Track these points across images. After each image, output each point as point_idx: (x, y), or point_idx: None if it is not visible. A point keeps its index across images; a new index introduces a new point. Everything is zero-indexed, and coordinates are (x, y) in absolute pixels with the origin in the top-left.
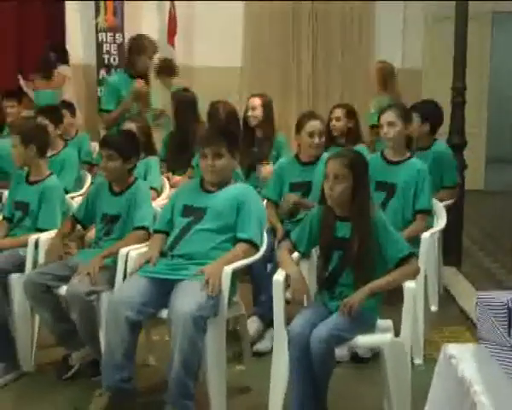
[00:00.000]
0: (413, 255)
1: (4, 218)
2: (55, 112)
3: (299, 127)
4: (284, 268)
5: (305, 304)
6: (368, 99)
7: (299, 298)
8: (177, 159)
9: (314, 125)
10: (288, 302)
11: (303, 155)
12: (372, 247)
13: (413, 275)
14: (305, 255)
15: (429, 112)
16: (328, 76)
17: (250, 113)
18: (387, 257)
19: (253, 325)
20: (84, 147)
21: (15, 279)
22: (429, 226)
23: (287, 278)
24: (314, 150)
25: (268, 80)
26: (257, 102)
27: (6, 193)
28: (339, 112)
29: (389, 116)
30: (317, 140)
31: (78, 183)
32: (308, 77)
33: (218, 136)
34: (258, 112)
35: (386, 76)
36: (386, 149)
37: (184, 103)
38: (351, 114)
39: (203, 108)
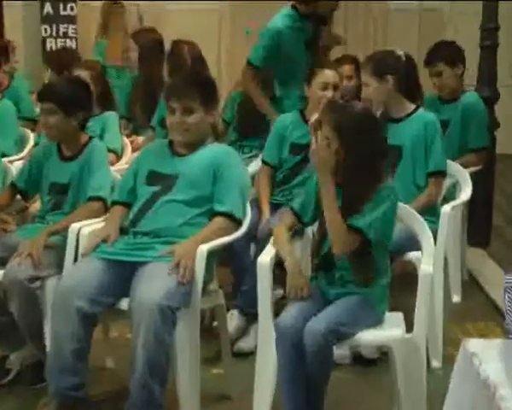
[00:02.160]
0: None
1: None
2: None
3: (310, 77)
4: (279, 250)
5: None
6: None
7: (296, 294)
8: (142, 116)
9: (329, 75)
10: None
11: (310, 112)
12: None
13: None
14: (308, 225)
15: (453, 54)
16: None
17: None
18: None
19: (232, 319)
20: (23, 98)
21: None
22: (451, 198)
23: (280, 262)
24: None
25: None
26: None
27: None
28: (348, 69)
29: (362, 76)
30: (330, 94)
31: (18, 144)
32: None
33: (188, 85)
34: None
35: None
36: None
37: (149, 47)
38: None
39: None
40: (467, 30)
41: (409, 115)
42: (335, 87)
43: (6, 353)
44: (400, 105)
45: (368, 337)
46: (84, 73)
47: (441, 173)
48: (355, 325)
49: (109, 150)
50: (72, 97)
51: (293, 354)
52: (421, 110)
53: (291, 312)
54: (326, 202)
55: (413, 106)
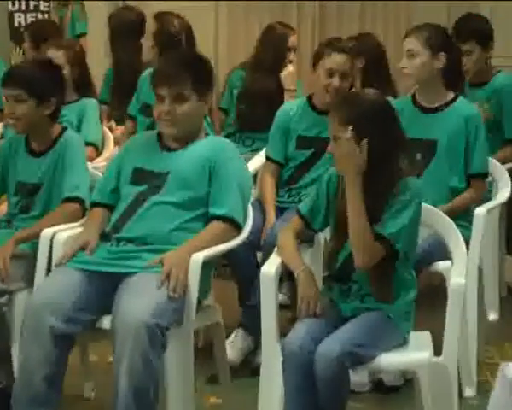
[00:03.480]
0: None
1: None
2: None
3: (316, 60)
4: (287, 262)
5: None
6: None
7: (307, 310)
8: (123, 102)
9: (336, 59)
10: (285, 306)
11: (317, 100)
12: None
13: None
14: (318, 232)
15: (486, 31)
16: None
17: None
18: None
19: (237, 341)
20: None
21: None
22: (486, 199)
23: (289, 273)
24: (331, 96)
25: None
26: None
27: None
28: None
29: (408, 43)
30: (336, 82)
31: None
32: (314, 8)
33: (177, 68)
34: None
35: None
36: (418, 91)
37: (126, 25)
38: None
39: None
40: None
41: (446, 105)
42: (344, 75)
43: None
44: (438, 92)
45: (389, 361)
46: (58, 53)
47: (484, 176)
48: (375, 346)
49: (87, 143)
50: (44, 82)
51: (301, 380)
52: (460, 100)
53: (300, 330)
54: (353, 208)
55: (452, 94)
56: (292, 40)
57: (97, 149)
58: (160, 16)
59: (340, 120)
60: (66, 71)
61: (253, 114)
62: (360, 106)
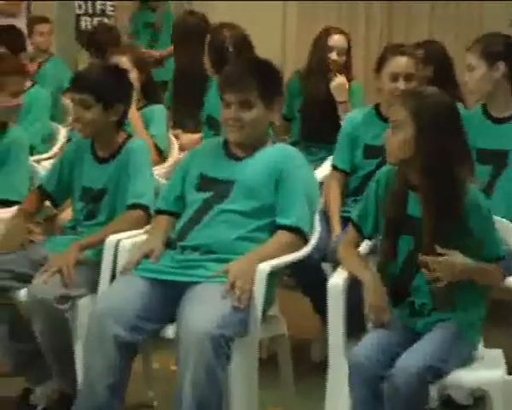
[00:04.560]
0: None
1: None
2: (14, 34)
3: (380, 65)
4: (353, 272)
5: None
6: None
7: (377, 319)
8: (188, 109)
9: (399, 62)
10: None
11: (384, 108)
12: (453, 235)
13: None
14: (369, 238)
15: None
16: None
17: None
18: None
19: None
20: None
21: None
22: None
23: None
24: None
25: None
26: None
27: None
28: (341, 40)
29: (467, 58)
30: (402, 85)
31: (47, 139)
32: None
33: (245, 74)
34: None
35: None
36: (486, 101)
37: (189, 31)
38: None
39: None
40: None
41: None
42: (408, 77)
43: (30, 386)
44: (507, 101)
45: (461, 378)
46: (123, 59)
47: None
48: (451, 361)
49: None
50: (111, 88)
51: (369, 392)
52: None
53: (368, 342)
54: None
55: None
56: (333, 39)
57: (162, 154)
58: (212, 28)
59: (404, 105)
60: (133, 76)
61: (311, 122)
62: (426, 98)
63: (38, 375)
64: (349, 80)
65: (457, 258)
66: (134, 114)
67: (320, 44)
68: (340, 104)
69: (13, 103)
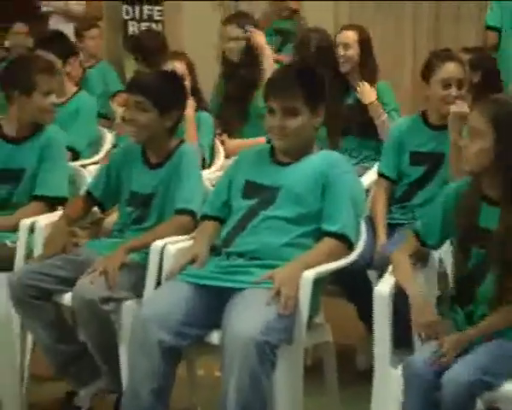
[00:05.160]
0: None
1: None
2: (63, 41)
3: (428, 73)
4: (402, 283)
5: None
6: None
7: (426, 334)
8: (235, 114)
9: (450, 69)
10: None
11: (433, 115)
12: None
13: None
14: (433, 248)
15: None
16: None
17: (342, 52)
18: None
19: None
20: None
21: None
22: None
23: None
24: (450, 107)
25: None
26: (351, 36)
27: None
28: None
29: None
30: (454, 92)
31: (94, 145)
32: (429, 8)
33: (290, 81)
34: (353, 51)
35: None
36: None
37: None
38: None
39: None
40: None
41: None
42: (460, 83)
43: (74, 388)
44: None
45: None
46: (179, 65)
47: None
48: (503, 373)
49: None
50: (168, 94)
51: (424, 403)
52: None
53: (423, 354)
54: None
55: None
56: (339, 36)
57: (204, 163)
58: (303, 33)
59: (482, 113)
60: (187, 82)
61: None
62: (506, 105)
63: (82, 377)
64: (373, 81)
65: None
66: (191, 120)
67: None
68: (372, 106)
69: (45, 103)
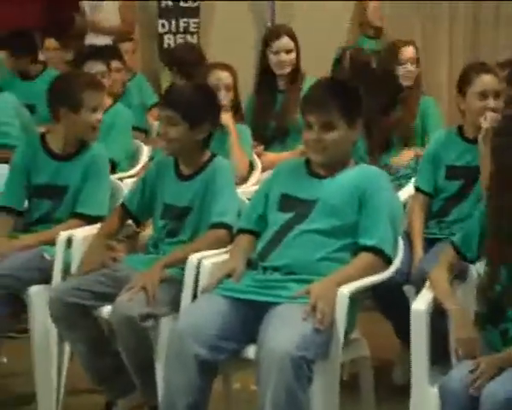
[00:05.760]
0: None
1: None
2: (111, 50)
3: (464, 85)
4: (440, 299)
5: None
6: None
7: (467, 353)
8: (272, 127)
9: (486, 80)
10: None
11: (469, 128)
12: None
13: None
14: (471, 262)
15: None
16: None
17: (409, 67)
18: None
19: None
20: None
21: (37, 294)
22: None
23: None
24: (488, 118)
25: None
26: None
27: None
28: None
29: None
30: (492, 103)
31: (131, 158)
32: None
33: (327, 96)
34: (415, 66)
35: None
36: None
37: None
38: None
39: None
40: None
41: None
42: (497, 95)
43: (111, 399)
44: None
45: None
46: (225, 74)
47: None
48: None
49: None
50: (198, 107)
51: None
52: None
53: (461, 372)
54: None
55: None
56: (405, 51)
57: (253, 166)
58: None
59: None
60: (231, 93)
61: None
62: None
63: (119, 389)
64: (419, 94)
65: None
66: (234, 131)
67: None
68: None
69: (91, 119)
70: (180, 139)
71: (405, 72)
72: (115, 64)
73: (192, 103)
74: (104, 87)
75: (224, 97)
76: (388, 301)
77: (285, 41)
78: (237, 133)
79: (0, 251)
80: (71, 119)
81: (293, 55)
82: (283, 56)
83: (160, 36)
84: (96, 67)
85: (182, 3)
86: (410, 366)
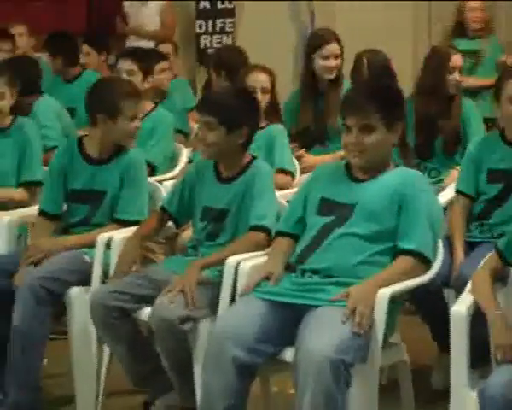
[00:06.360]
0: None
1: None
2: (147, 55)
3: (498, 91)
4: (481, 303)
5: None
6: None
7: (505, 356)
8: (314, 128)
9: None
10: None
11: (508, 131)
12: None
13: None
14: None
15: None
16: None
17: (458, 77)
18: None
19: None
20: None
21: (76, 296)
22: None
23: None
24: None
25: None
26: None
27: None
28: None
29: None
30: None
31: (170, 160)
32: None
33: (366, 98)
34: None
35: None
36: None
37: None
38: None
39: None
40: None
41: None
42: None
43: (150, 399)
44: None
45: None
46: (263, 76)
47: None
48: None
49: (283, 171)
50: (236, 111)
51: None
52: None
53: (500, 377)
54: None
55: None
56: (454, 59)
57: (294, 177)
58: (357, 56)
59: None
60: (268, 95)
61: (422, 144)
62: None
63: (158, 389)
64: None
65: None
66: None
67: (436, 64)
68: None
69: (130, 127)
70: (218, 143)
71: (454, 80)
72: (160, 66)
73: (230, 108)
74: (141, 95)
75: (261, 100)
76: (427, 305)
77: (334, 47)
78: (272, 134)
79: (46, 248)
80: (108, 125)
81: (339, 61)
82: (332, 62)
83: (197, 36)
84: (124, 65)
85: (219, 4)
86: (448, 371)
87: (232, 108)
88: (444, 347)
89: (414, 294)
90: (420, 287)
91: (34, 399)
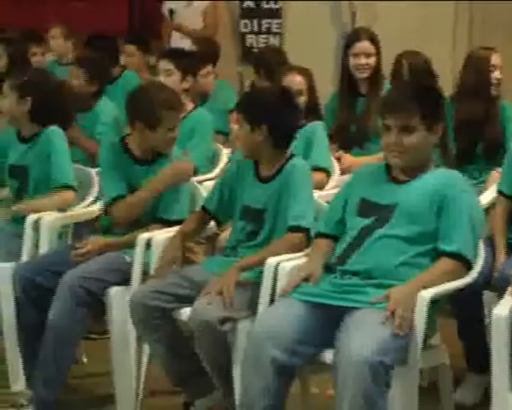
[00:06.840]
0: None
1: None
2: (186, 57)
3: None
4: None
5: None
6: None
7: None
8: (353, 129)
9: None
10: None
11: None
12: None
13: None
14: None
15: None
16: None
17: (499, 75)
18: None
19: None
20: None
21: (116, 295)
22: None
23: None
24: None
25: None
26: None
27: None
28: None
29: None
30: None
31: (210, 161)
32: None
33: (406, 98)
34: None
35: None
36: None
37: None
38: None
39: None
40: None
41: None
42: None
43: (189, 399)
44: None
45: None
46: (299, 78)
47: None
48: None
49: (320, 169)
50: (257, 110)
51: None
52: None
53: None
54: None
55: None
56: (494, 58)
57: (329, 174)
58: (397, 57)
59: None
60: (304, 97)
61: (464, 146)
62: None
63: (198, 389)
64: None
65: None
66: None
67: (478, 65)
68: None
69: (168, 138)
70: (243, 141)
71: (496, 79)
72: (205, 70)
73: (253, 106)
74: (182, 105)
75: None
76: (466, 307)
77: (365, 44)
78: (312, 131)
79: (96, 248)
80: (145, 133)
81: (372, 60)
82: (362, 60)
83: (243, 35)
84: (162, 65)
85: (264, 4)
86: (473, 391)
87: (254, 107)
88: (474, 366)
89: (453, 295)
90: (459, 290)
91: (55, 396)
